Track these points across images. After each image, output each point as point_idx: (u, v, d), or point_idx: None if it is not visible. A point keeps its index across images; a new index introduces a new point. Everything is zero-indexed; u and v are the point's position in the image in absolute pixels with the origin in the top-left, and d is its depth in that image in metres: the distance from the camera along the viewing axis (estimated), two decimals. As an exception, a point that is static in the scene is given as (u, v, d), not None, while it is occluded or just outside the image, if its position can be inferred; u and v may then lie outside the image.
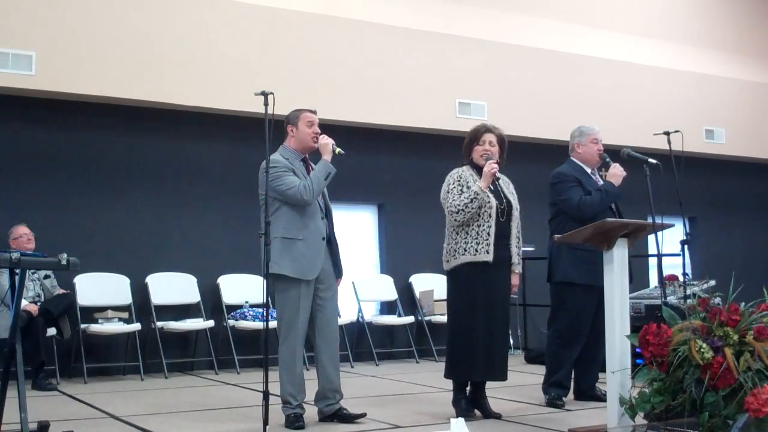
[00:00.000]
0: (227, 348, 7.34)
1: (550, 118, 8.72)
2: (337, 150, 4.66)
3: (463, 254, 4.74)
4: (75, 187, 7.19)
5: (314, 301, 4.62)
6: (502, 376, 4.82)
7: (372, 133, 8.27)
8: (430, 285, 8.30)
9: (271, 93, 4.35)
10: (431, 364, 7.81)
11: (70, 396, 5.90)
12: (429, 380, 6.50)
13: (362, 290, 8.20)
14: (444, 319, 7.28)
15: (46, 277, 6.67)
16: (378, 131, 8.33)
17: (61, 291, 6.72)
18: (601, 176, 5.44)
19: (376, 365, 7.80)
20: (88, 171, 7.26)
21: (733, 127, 10.32)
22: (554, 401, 5.16)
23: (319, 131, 4.72)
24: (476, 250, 4.71)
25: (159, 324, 7.11)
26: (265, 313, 4.42)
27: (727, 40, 10.58)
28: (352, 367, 7.53)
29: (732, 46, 10.61)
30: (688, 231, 5.59)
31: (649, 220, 4.66)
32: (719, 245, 10.53)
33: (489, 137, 4.88)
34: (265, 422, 4.10)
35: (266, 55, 7.57)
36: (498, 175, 4.83)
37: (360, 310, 8.14)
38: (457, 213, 4.73)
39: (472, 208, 4.70)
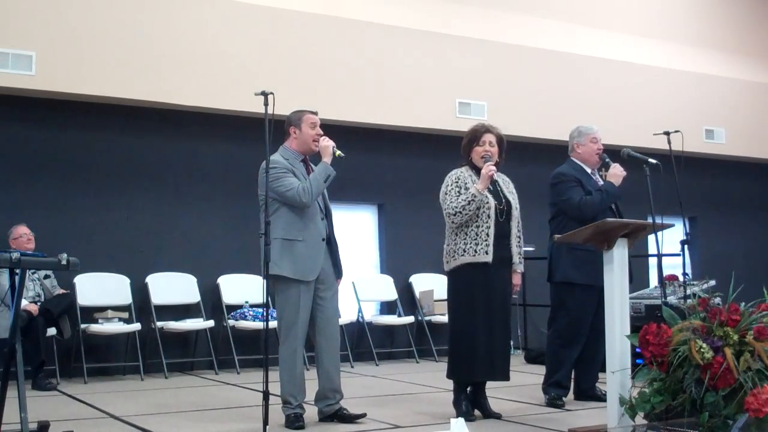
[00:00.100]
0: (227, 348, 7.34)
1: (550, 118, 8.72)
2: (338, 153, 4.66)
3: (463, 255, 4.74)
4: (75, 187, 7.19)
5: (315, 301, 4.62)
6: (503, 375, 4.82)
7: (372, 133, 8.27)
8: (430, 285, 8.30)
9: (271, 93, 4.35)
10: (431, 364, 7.81)
11: (70, 396, 5.90)
12: (429, 380, 6.50)
13: (362, 290, 8.20)
14: (444, 319, 7.30)
15: (46, 277, 6.67)
16: (378, 131, 8.33)
17: (61, 291, 6.72)
18: (601, 176, 5.44)
19: (376, 365, 7.80)
20: (88, 171, 7.26)
21: (733, 127, 10.32)
22: (554, 401, 5.16)
23: (321, 133, 4.72)
24: (475, 251, 4.71)
25: (159, 324, 7.11)
26: (265, 313, 4.42)
27: (727, 40, 10.58)
28: (352, 367, 7.53)
29: (732, 46, 10.61)
30: (688, 231, 5.58)
31: (649, 220, 4.66)
32: (719, 245, 10.53)
33: (489, 137, 4.87)
34: (265, 422, 4.10)
35: (266, 55, 7.57)
36: (495, 177, 4.83)
37: (360, 310, 8.14)
38: (455, 215, 4.73)
39: (470, 210, 4.70)
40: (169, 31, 7.22)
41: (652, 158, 5.16)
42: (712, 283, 6.59)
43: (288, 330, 4.56)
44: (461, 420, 3.66)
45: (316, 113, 4.76)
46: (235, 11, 7.49)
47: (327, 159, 4.64)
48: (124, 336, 7.12)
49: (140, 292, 7.27)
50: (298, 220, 4.58)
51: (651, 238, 4.81)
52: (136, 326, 6.99)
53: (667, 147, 5.37)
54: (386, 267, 8.62)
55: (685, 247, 5.53)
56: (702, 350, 3.43)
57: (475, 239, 4.72)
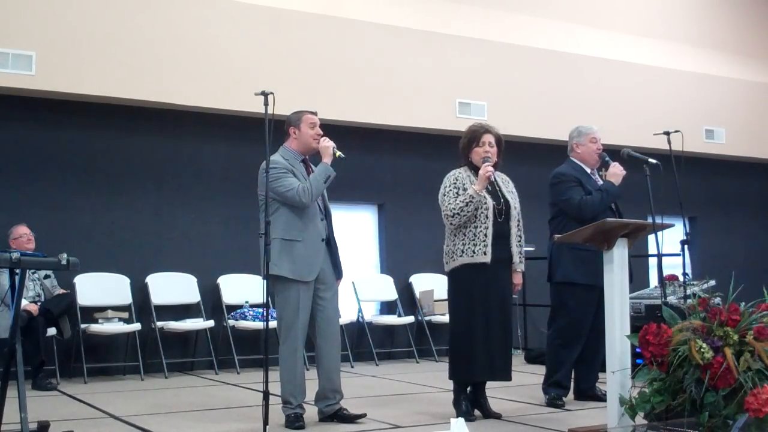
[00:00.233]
0: (227, 348, 7.34)
1: (550, 118, 8.72)
2: (338, 153, 4.66)
3: (461, 256, 4.74)
4: (75, 187, 7.19)
5: (315, 301, 4.62)
6: (504, 376, 4.81)
7: (372, 133, 8.27)
8: (430, 285, 8.30)
9: (271, 93, 4.35)
10: (431, 364, 7.81)
11: (70, 396, 5.90)
12: (429, 380, 6.50)
13: (362, 290, 8.20)
14: (444, 319, 7.31)
15: (46, 277, 6.67)
16: (378, 131, 8.33)
17: (61, 291, 6.72)
18: (600, 176, 5.44)
19: (376, 365, 7.80)
20: (88, 171, 7.26)
21: (733, 127, 10.32)
22: (554, 401, 5.16)
23: (321, 132, 4.72)
24: (474, 252, 4.71)
25: (159, 324, 7.11)
26: (265, 313, 4.42)
27: (727, 40, 10.58)
28: (352, 367, 7.53)
29: (732, 46, 10.61)
30: (688, 231, 5.58)
31: (649, 220, 4.66)
32: (719, 245, 10.53)
33: (488, 138, 4.87)
34: (265, 422, 4.10)
35: (266, 55, 7.57)
36: (494, 177, 4.82)
37: (360, 310, 8.14)
38: (453, 217, 4.73)
39: (468, 212, 4.70)
40: (169, 31, 7.22)
41: (652, 158, 5.16)
42: (712, 283, 6.59)
43: (288, 330, 4.56)
44: (461, 420, 3.65)
45: (315, 113, 4.76)
46: (235, 11, 7.50)
47: (327, 159, 4.64)
48: (124, 336, 7.12)
49: (140, 292, 7.27)
50: (297, 220, 4.58)
51: (651, 238, 4.81)
52: (136, 326, 6.99)
53: (667, 147, 5.37)
54: (386, 267, 8.62)
55: (685, 247, 5.53)
56: (702, 350, 3.42)
57: (474, 240, 4.72)
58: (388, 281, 8.42)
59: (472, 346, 4.70)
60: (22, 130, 7.06)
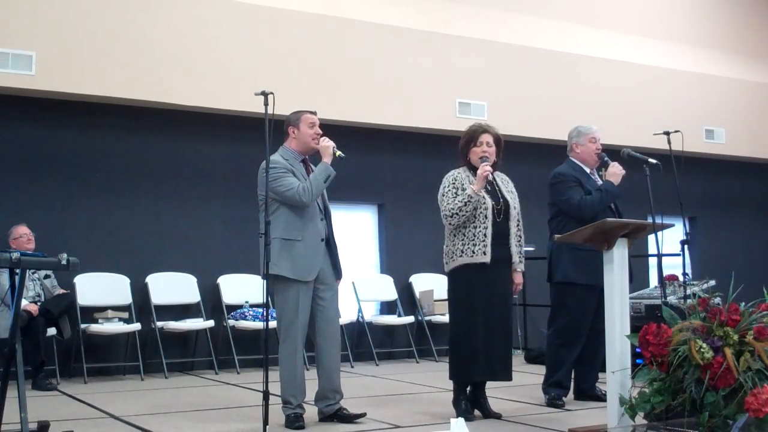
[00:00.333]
0: (227, 348, 7.35)
1: (550, 118, 8.72)
2: (338, 153, 4.66)
3: (461, 256, 4.74)
4: (75, 187, 7.19)
5: (315, 301, 4.62)
6: (505, 376, 4.81)
7: (372, 133, 8.27)
8: (430, 285, 8.30)
9: (271, 93, 4.35)
10: (431, 364, 7.81)
11: (70, 396, 5.90)
12: (429, 380, 6.49)
13: (362, 290, 8.20)
14: (444, 319, 7.30)
15: (46, 277, 6.67)
16: (378, 131, 8.33)
17: (61, 291, 6.72)
18: (600, 176, 5.44)
19: (376, 365, 7.80)
20: (88, 171, 7.26)
21: (733, 127, 10.32)
22: (554, 401, 5.16)
23: (320, 132, 4.72)
24: (473, 252, 4.71)
25: (159, 324, 7.11)
26: (265, 313, 4.42)
27: (727, 40, 10.58)
28: (352, 367, 7.53)
29: (732, 46, 10.61)
30: (688, 231, 5.59)
31: (649, 220, 4.66)
32: (719, 245, 10.53)
33: (486, 138, 4.86)
34: (265, 422, 4.10)
35: (266, 55, 7.57)
36: (491, 178, 4.82)
37: (360, 310, 8.14)
38: (451, 217, 4.73)
39: (466, 212, 4.69)
40: (169, 32, 7.22)
41: (652, 158, 5.16)
42: (712, 283, 6.59)
43: (287, 330, 4.56)
44: (461, 420, 3.65)
45: (315, 113, 4.76)
46: (235, 11, 7.50)
47: (327, 159, 4.65)
48: (124, 336, 7.12)
49: (140, 292, 7.27)
50: (297, 220, 4.58)
51: (651, 238, 4.81)
52: (136, 326, 6.99)
53: (667, 147, 5.37)
54: (386, 267, 8.62)
55: (685, 247, 5.54)
56: (702, 350, 3.42)
57: (473, 240, 4.72)
58: (388, 281, 8.42)
59: (472, 346, 4.70)
60: (22, 130, 7.06)
